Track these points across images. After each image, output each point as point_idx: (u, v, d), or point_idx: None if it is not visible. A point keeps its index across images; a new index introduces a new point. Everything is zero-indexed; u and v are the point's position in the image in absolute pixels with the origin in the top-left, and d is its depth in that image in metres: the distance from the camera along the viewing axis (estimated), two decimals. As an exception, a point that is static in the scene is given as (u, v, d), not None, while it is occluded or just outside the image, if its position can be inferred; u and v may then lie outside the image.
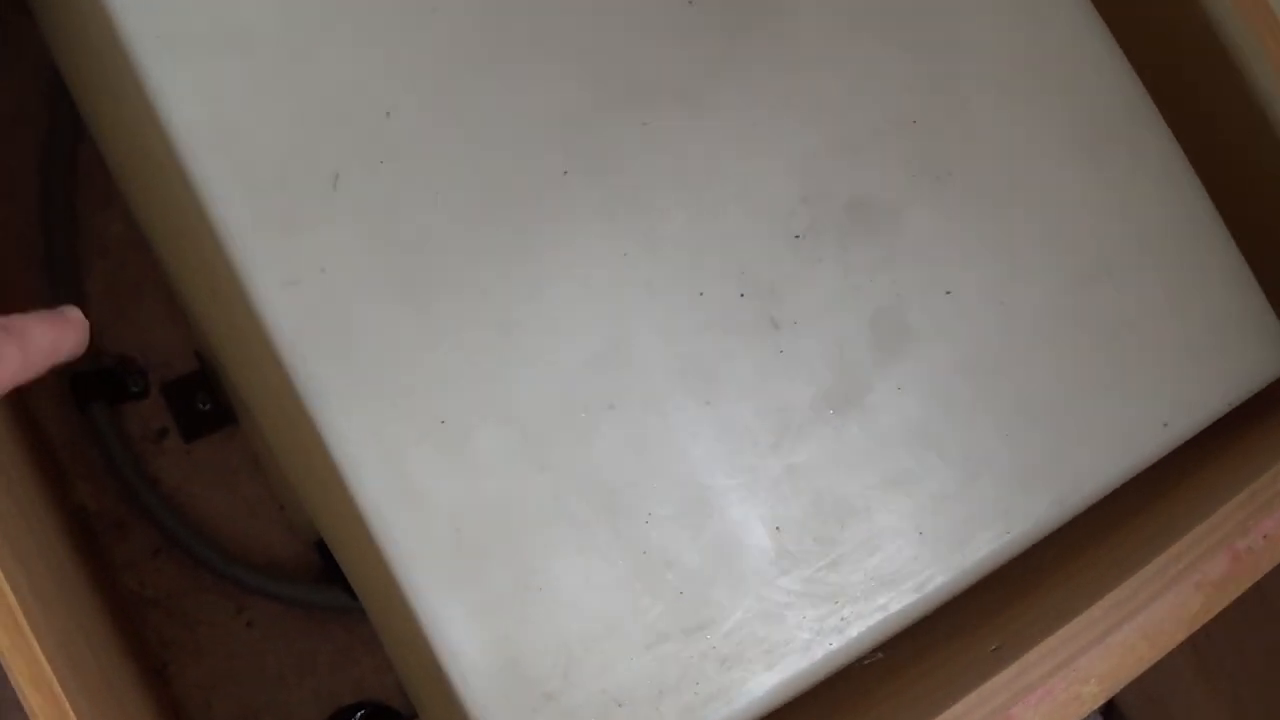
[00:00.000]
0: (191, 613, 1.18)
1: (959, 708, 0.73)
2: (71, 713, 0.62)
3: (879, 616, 0.74)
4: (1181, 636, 0.77)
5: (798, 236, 0.76)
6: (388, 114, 0.72)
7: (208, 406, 1.20)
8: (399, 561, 0.68)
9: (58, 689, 0.61)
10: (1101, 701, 0.75)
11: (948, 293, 0.78)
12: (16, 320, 0.62)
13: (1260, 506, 0.80)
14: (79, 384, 1.16)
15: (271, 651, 1.20)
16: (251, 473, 1.21)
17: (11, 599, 0.61)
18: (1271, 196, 0.91)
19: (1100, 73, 0.85)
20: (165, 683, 1.16)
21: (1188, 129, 0.87)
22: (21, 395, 1.14)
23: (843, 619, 0.73)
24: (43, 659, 0.61)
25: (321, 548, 1.15)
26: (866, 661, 0.77)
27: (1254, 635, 1.18)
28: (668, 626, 0.71)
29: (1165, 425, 0.81)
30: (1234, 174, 0.90)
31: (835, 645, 0.73)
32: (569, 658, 0.69)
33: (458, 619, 0.68)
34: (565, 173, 0.74)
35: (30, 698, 0.61)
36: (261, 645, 1.20)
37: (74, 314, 0.68)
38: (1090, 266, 0.82)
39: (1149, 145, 0.86)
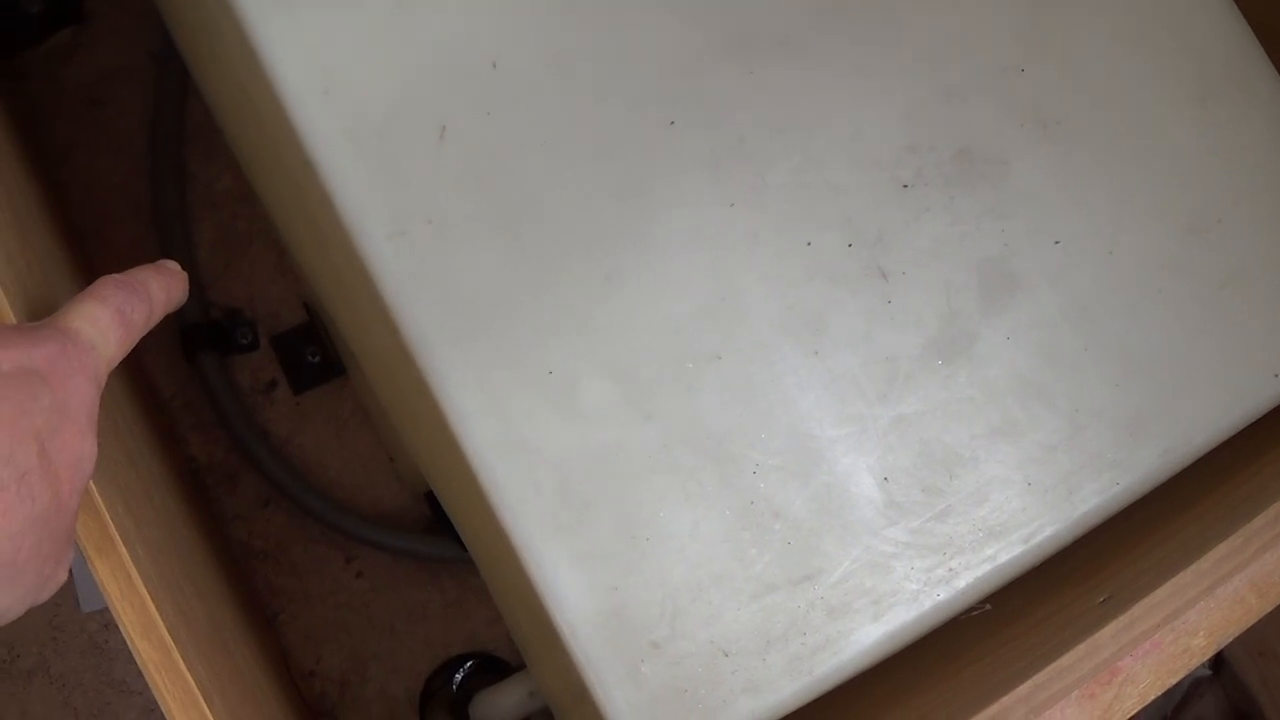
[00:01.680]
0: (301, 563, 1.19)
1: (1067, 659, 0.72)
2: (180, 661, 0.62)
3: (987, 567, 0.74)
4: None
5: (905, 186, 0.76)
6: (494, 65, 0.72)
7: (317, 358, 1.21)
8: (506, 511, 0.68)
9: (166, 637, 0.62)
10: (1210, 654, 0.75)
11: (1056, 242, 0.78)
12: (136, 276, 0.64)
13: None
14: (189, 336, 1.17)
15: (381, 602, 1.21)
16: (360, 424, 1.22)
17: (122, 549, 0.62)
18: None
19: (1211, 22, 0.84)
20: (275, 632, 1.18)
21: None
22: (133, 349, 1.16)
23: (951, 570, 0.73)
24: (152, 608, 0.62)
25: (431, 499, 1.16)
26: (974, 613, 0.77)
27: None
28: (775, 577, 0.71)
29: (1276, 376, 0.81)
30: None
31: (943, 596, 0.73)
32: (675, 607, 0.69)
33: (564, 568, 0.68)
34: (672, 123, 0.73)
35: (140, 646, 0.62)
36: (371, 595, 1.21)
37: (173, 265, 0.69)
38: (1199, 217, 0.81)
39: (1260, 96, 0.84)
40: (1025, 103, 0.79)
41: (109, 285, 0.62)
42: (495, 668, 1.20)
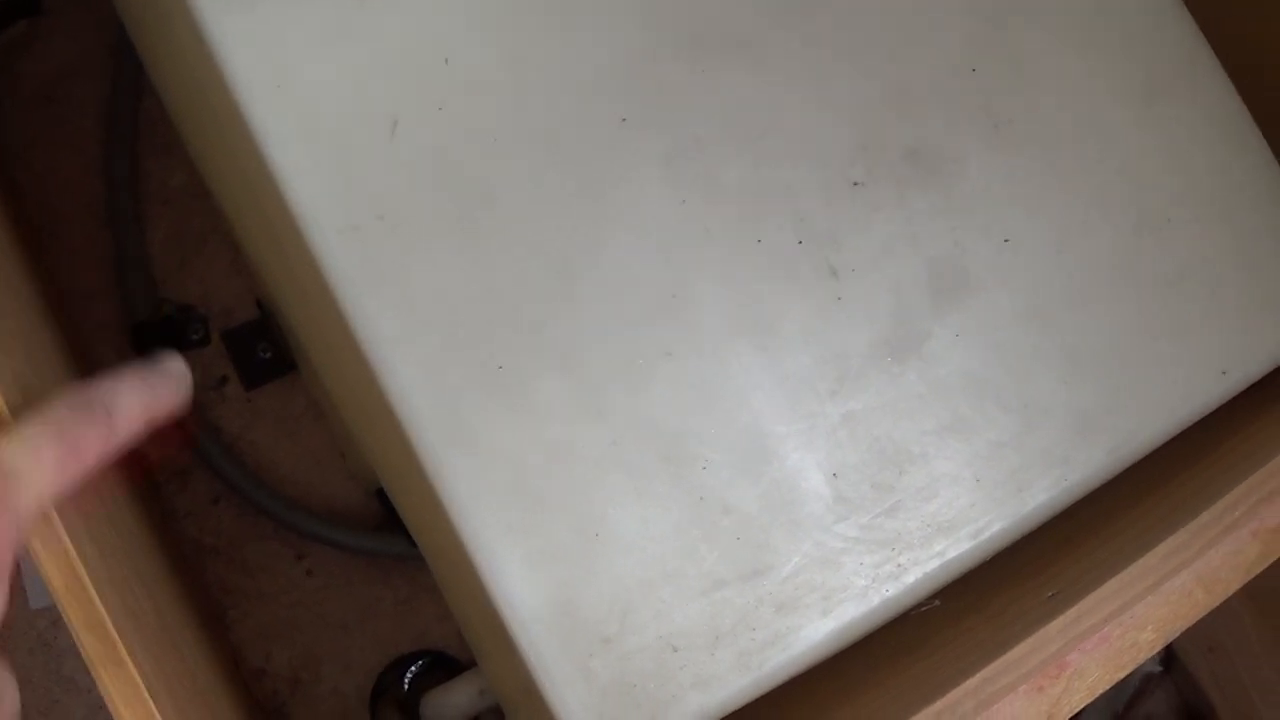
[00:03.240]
0: (252, 560, 1.19)
1: (1015, 653, 0.73)
2: (127, 657, 0.62)
3: (936, 563, 0.74)
4: (1238, 584, 0.77)
5: (856, 184, 0.76)
6: (446, 60, 0.72)
7: (269, 354, 1.20)
8: (456, 507, 0.68)
9: (113, 633, 0.62)
10: (1158, 648, 0.75)
11: (1006, 240, 0.78)
12: (104, 390, 0.61)
13: None
14: (140, 333, 1.17)
15: (332, 600, 1.21)
16: (312, 421, 1.22)
17: (68, 544, 0.62)
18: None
19: (1160, 21, 0.85)
20: (226, 629, 1.17)
21: (1247, 80, 0.87)
22: (82, 344, 1.15)
23: (899, 565, 0.74)
24: (98, 604, 0.62)
25: (382, 495, 1.16)
26: (923, 609, 0.77)
27: None
28: (724, 572, 0.71)
29: (1224, 373, 0.81)
30: None
31: (892, 592, 0.73)
32: (626, 603, 0.70)
33: (515, 565, 0.69)
34: (624, 120, 0.74)
35: (85, 641, 0.62)
36: (322, 593, 1.21)
37: (173, 367, 0.67)
38: (1149, 215, 0.82)
39: (1209, 95, 0.85)
40: (976, 102, 0.80)
41: (60, 404, 0.58)
42: (446, 665, 1.21)
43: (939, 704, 0.72)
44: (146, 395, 0.63)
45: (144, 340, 1.16)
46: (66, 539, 0.62)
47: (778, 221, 0.75)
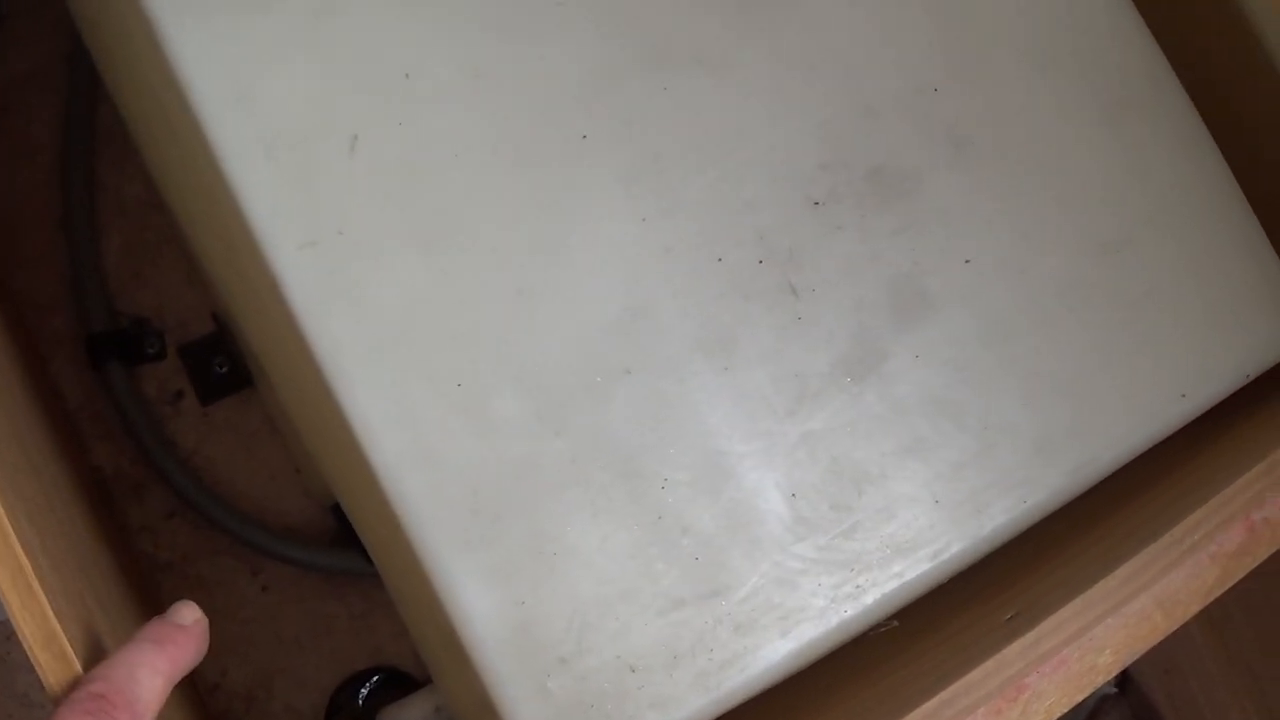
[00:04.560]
0: (207, 576, 1.19)
1: (974, 675, 0.73)
2: (82, 673, 0.62)
3: (894, 584, 0.74)
4: (1197, 607, 0.77)
5: (817, 203, 0.77)
6: (407, 75, 0.72)
7: (225, 369, 1.20)
8: (413, 524, 0.68)
9: (68, 649, 0.62)
10: (1116, 671, 0.76)
11: (967, 261, 0.78)
12: (122, 674, 0.60)
13: (1278, 479, 0.80)
14: (95, 346, 1.17)
15: (287, 616, 1.21)
16: (268, 436, 1.22)
17: (23, 559, 0.62)
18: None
19: (1121, 41, 0.85)
20: (179, 645, 1.17)
21: (1208, 100, 0.87)
22: (38, 357, 1.15)
23: (858, 586, 0.74)
24: (53, 619, 0.62)
25: (338, 511, 1.16)
26: (881, 629, 0.77)
27: (1269, 607, 1.19)
28: (682, 592, 0.71)
29: (1183, 396, 0.82)
30: (1254, 146, 0.90)
31: (850, 613, 0.73)
32: (583, 622, 0.70)
33: (472, 582, 0.69)
34: (584, 136, 0.74)
35: (40, 658, 0.61)
36: (277, 609, 1.21)
37: (188, 618, 0.67)
38: (1109, 236, 0.82)
39: (1169, 115, 0.86)
40: (938, 122, 0.80)
41: (79, 699, 0.58)
42: (401, 682, 1.21)
43: None
44: (168, 668, 0.62)
45: (99, 353, 1.16)
46: (22, 553, 0.61)
47: (738, 240, 0.75)
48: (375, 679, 1.20)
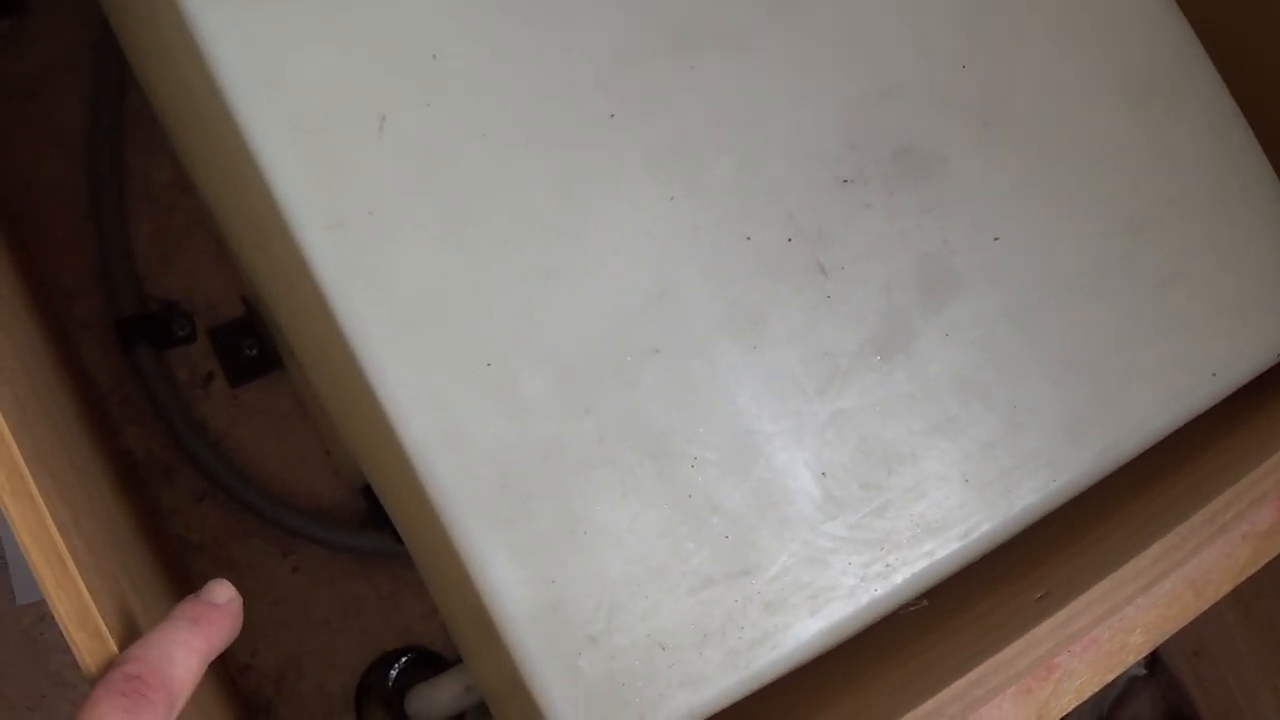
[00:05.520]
0: (237, 558, 1.20)
1: (1004, 654, 0.73)
2: (117, 652, 0.62)
3: (924, 563, 0.75)
4: (1228, 587, 0.78)
5: (846, 181, 0.77)
6: (434, 56, 0.72)
7: (254, 351, 1.21)
8: (444, 503, 0.69)
9: (103, 627, 0.62)
10: (1147, 651, 0.76)
11: (995, 239, 0.79)
12: (156, 653, 0.60)
13: None
14: (125, 329, 1.17)
15: (317, 597, 1.22)
16: (298, 418, 1.22)
17: (58, 538, 0.62)
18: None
19: (1151, 19, 0.85)
20: (210, 627, 1.18)
21: (1240, 79, 0.87)
22: (68, 341, 1.15)
23: (888, 565, 0.74)
24: (88, 597, 0.62)
25: (368, 493, 1.17)
26: (911, 609, 0.78)
27: None
28: (712, 571, 0.72)
29: (1213, 376, 0.82)
30: None
31: (880, 592, 0.74)
32: (613, 601, 0.70)
33: (502, 561, 0.69)
34: (612, 116, 0.74)
35: (75, 636, 0.62)
36: (307, 591, 1.21)
37: (222, 596, 0.67)
38: (1139, 215, 0.82)
39: (1199, 95, 0.86)
40: (966, 101, 0.81)
41: (112, 681, 0.58)
42: (431, 662, 1.22)
43: (928, 705, 0.72)
44: (202, 645, 0.62)
45: (129, 336, 1.17)
46: (57, 532, 0.62)
47: (766, 219, 0.76)
48: (405, 659, 1.21)
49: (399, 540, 0.93)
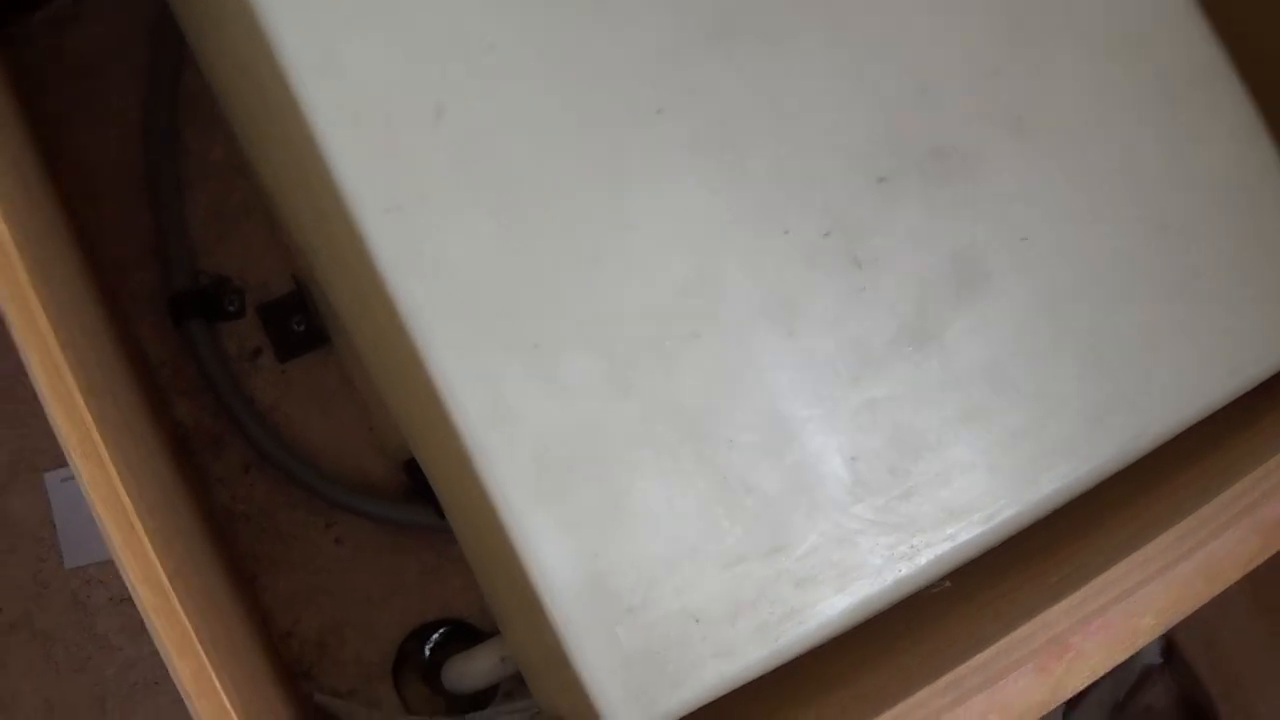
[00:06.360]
0: (282, 528, 1.23)
1: (1020, 633, 0.76)
2: (179, 608, 0.65)
3: (948, 546, 0.77)
4: (1238, 575, 0.80)
5: (881, 179, 0.79)
6: (490, 48, 0.75)
7: (302, 328, 1.24)
8: (491, 478, 0.72)
9: (166, 584, 0.65)
10: (1158, 634, 0.78)
11: (1024, 239, 0.81)
12: None
13: None
14: (177, 303, 1.21)
15: (358, 568, 1.25)
16: (343, 394, 1.25)
17: (126, 501, 0.65)
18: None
19: (1177, 29, 0.87)
20: (256, 593, 1.21)
21: (1259, 85, 0.89)
22: (122, 314, 1.18)
23: (913, 547, 0.77)
24: (153, 555, 0.65)
25: (410, 467, 1.20)
26: (935, 590, 0.80)
27: None
28: (745, 548, 0.74)
29: (1232, 372, 0.84)
30: None
31: (905, 572, 0.76)
32: (650, 574, 0.73)
33: (547, 535, 0.72)
34: (659, 110, 0.77)
35: (141, 591, 0.65)
36: (349, 562, 1.24)
37: None
38: (1164, 216, 0.85)
39: (1222, 101, 0.88)
40: (1000, 103, 0.83)
41: None
42: (468, 635, 1.24)
43: (946, 679, 0.75)
44: None
45: (181, 310, 1.20)
46: (125, 496, 0.65)
47: (804, 212, 0.78)
48: (442, 631, 1.24)
49: (441, 515, 0.96)
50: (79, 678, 1.21)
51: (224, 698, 0.67)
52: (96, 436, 0.66)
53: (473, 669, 1.11)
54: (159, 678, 1.22)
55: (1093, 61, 0.85)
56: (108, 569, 1.21)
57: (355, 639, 1.24)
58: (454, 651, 1.17)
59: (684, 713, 0.74)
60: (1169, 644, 1.40)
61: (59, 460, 1.21)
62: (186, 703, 0.66)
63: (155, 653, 1.11)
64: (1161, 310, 0.84)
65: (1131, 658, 1.28)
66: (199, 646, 0.66)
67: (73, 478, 1.18)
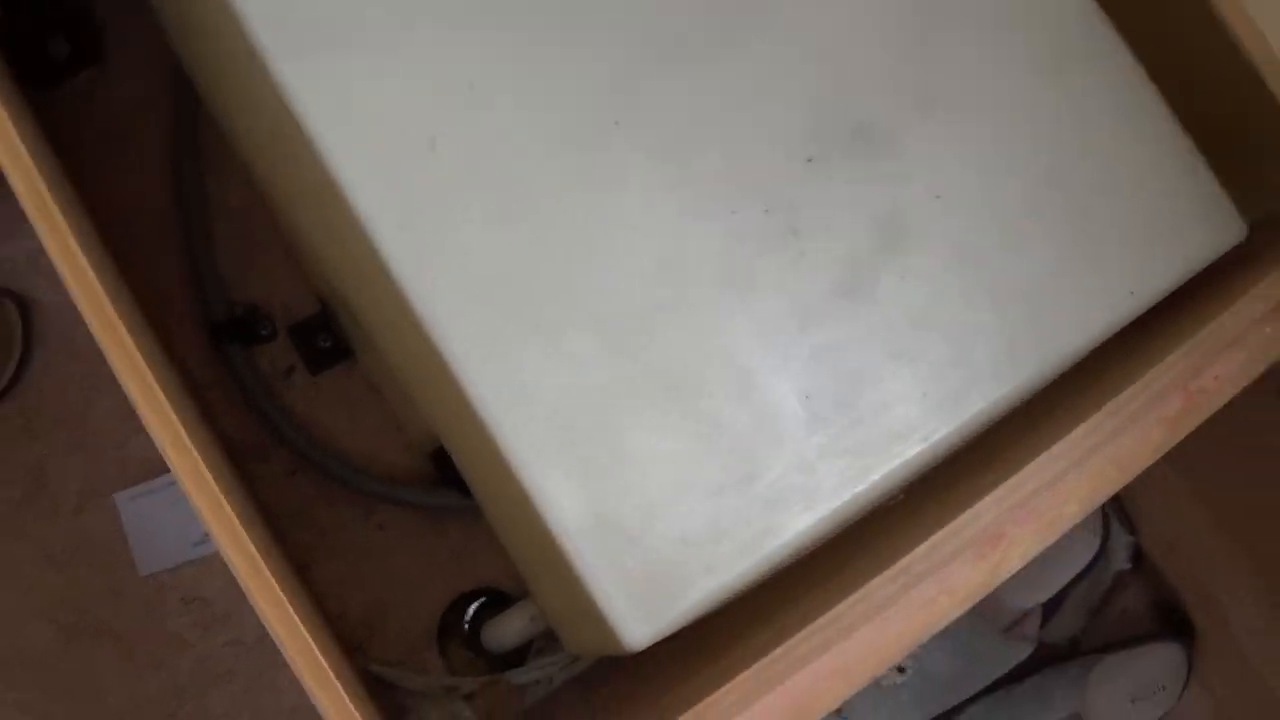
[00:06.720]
0: (326, 522, 1.33)
1: (956, 523, 0.87)
2: (283, 596, 0.78)
3: (895, 463, 0.88)
4: (1147, 463, 0.90)
5: (810, 159, 0.91)
6: (470, 86, 0.87)
7: (329, 344, 1.34)
8: (506, 442, 0.83)
9: (269, 578, 0.78)
10: (1080, 519, 0.89)
11: (938, 197, 0.92)
12: None
13: (1208, 352, 0.93)
14: (216, 333, 1.31)
15: (398, 552, 1.34)
16: (369, 400, 1.36)
17: (227, 509, 0.77)
18: (1219, 94, 1.03)
19: (1058, 3, 0.99)
20: (308, 581, 1.31)
21: (1144, 42, 1.00)
22: (169, 343, 1.28)
23: (865, 467, 0.88)
24: (253, 550, 0.78)
25: (436, 457, 1.28)
26: (890, 503, 0.91)
27: (1268, 491, 1.29)
28: (723, 480, 0.85)
29: (1131, 294, 0.95)
30: (1186, 75, 1.01)
31: (860, 488, 0.87)
32: (647, 509, 0.84)
33: (558, 484, 0.83)
34: (616, 123, 0.89)
35: (235, 561, 0.78)
36: (389, 546, 1.34)
37: None
38: (1060, 165, 0.96)
39: (1106, 60, 0.99)
40: (910, 82, 0.94)
41: None
42: (503, 601, 1.32)
43: (895, 567, 0.86)
44: None
45: (220, 338, 1.31)
46: (226, 503, 0.77)
47: (747, 195, 0.89)
48: (481, 600, 1.33)
49: (467, 494, 1.07)
50: (158, 673, 1.31)
51: (329, 672, 0.80)
52: (183, 433, 0.78)
53: (508, 629, 1.20)
54: (231, 669, 1.31)
55: (990, 35, 0.96)
56: (178, 574, 1.31)
57: (399, 615, 1.33)
58: (490, 617, 1.26)
59: (684, 622, 0.84)
60: (1137, 550, 1.48)
61: (127, 482, 1.30)
62: (300, 679, 0.79)
63: (226, 645, 1.26)
64: (1065, 245, 0.94)
65: (1104, 564, 1.38)
66: (301, 628, 0.79)
67: (141, 495, 1.30)
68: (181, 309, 1.33)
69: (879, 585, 0.86)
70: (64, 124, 1.33)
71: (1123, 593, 1.51)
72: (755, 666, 0.85)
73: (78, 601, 1.32)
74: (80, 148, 1.32)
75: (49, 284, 1.35)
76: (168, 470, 1.21)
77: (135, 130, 1.35)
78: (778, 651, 0.86)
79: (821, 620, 0.86)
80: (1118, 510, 1.47)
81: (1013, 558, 0.88)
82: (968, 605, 0.87)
